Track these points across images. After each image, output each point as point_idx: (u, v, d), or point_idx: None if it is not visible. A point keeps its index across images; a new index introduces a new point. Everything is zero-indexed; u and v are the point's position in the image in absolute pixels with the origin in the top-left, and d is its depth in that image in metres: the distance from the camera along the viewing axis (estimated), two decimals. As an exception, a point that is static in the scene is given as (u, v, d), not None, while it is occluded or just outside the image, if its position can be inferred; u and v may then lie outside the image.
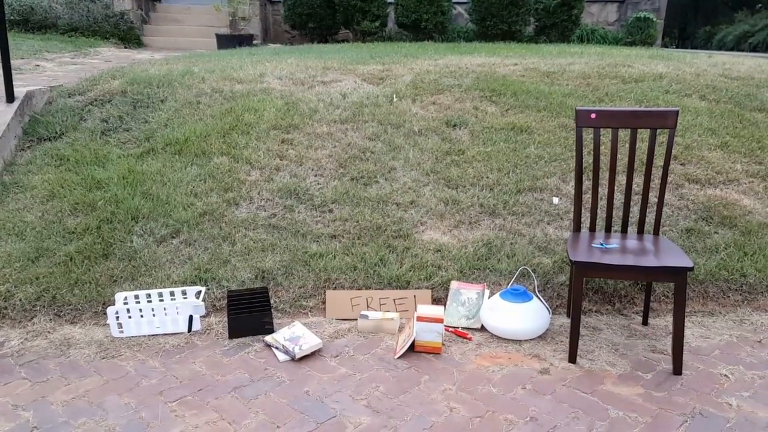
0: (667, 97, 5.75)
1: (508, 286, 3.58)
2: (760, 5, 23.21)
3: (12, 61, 5.19)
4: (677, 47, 22.32)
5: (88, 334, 3.36)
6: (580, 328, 3.12)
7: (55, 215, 4.09)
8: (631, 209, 3.50)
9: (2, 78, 5.05)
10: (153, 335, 3.36)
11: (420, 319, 3.18)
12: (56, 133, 5.00)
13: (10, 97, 5.05)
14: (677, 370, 3.00)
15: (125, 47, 11.22)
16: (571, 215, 4.13)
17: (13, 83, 5.11)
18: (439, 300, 3.63)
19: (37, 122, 5.10)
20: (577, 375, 3.00)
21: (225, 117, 5.13)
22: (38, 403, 2.76)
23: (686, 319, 3.39)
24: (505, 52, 7.88)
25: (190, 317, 3.38)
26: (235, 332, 3.34)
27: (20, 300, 3.50)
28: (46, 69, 7.31)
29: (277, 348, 3.19)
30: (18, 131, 4.95)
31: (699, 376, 3.00)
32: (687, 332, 3.39)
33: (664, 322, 3.55)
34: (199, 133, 4.89)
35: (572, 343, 3.09)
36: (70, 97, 5.53)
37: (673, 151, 3.52)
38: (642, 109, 3.36)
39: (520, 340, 3.32)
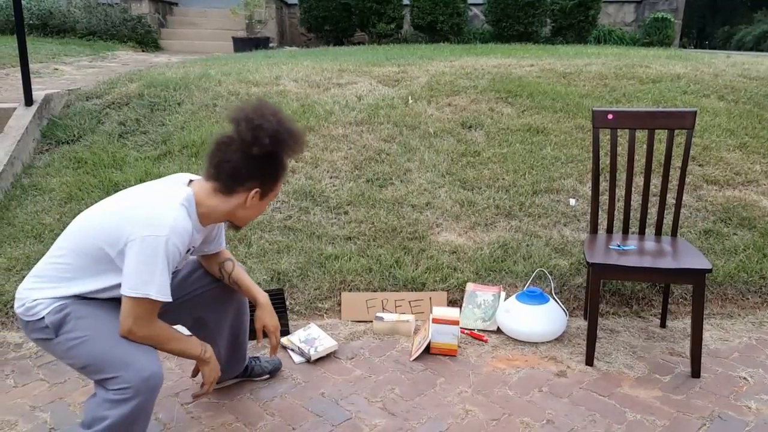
0: (685, 97, 5.71)
1: (525, 288, 3.56)
2: (779, 4, 22.98)
3: (31, 65, 5.24)
4: (695, 47, 22.15)
5: (106, 336, 3.37)
6: (597, 331, 3.10)
7: (73, 217, 4.10)
8: (648, 211, 3.47)
9: (21, 81, 5.10)
10: (169, 337, 3.37)
11: (435, 321, 3.17)
12: (74, 136, 5.04)
13: (28, 101, 5.10)
14: (696, 372, 2.97)
15: (143, 51, 11.30)
16: (588, 217, 4.11)
17: (32, 86, 5.16)
18: (454, 302, 3.62)
19: (55, 125, 5.14)
20: (594, 378, 2.98)
21: (241, 119, 5.14)
22: (56, 404, 2.78)
23: (705, 322, 3.36)
24: (521, 53, 7.85)
25: (206, 319, 3.39)
26: (250, 334, 3.34)
27: (38, 301, 3.53)
28: (64, 72, 7.38)
29: (292, 350, 3.20)
30: (36, 134, 5.00)
31: (718, 378, 2.97)
32: (705, 334, 3.36)
33: (682, 324, 3.52)
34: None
35: (589, 345, 3.07)
36: (87, 100, 5.58)
37: (691, 152, 3.49)
38: (660, 109, 3.33)
39: (537, 343, 3.31)
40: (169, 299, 2.07)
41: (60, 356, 2.16)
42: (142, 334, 2.08)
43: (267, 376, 2.96)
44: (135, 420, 2.06)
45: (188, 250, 2.24)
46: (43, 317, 2.09)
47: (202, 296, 2.57)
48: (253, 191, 2.13)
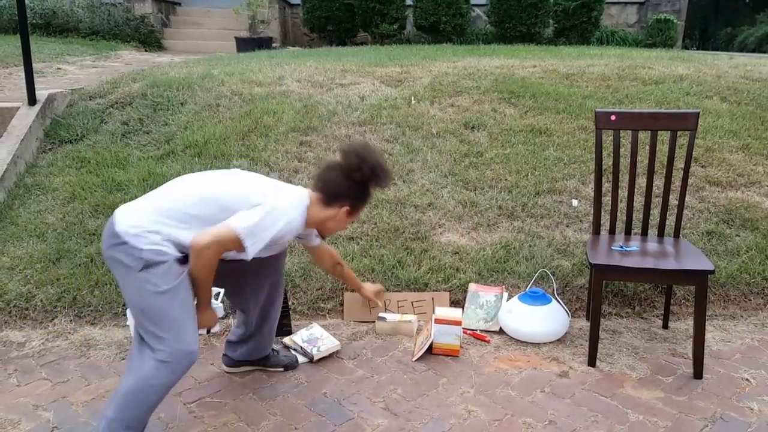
0: (688, 99, 5.70)
1: (527, 289, 3.56)
2: (782, 6, 22.93)
3: (34, 64, 5.25)
4: (698, 49, 22.11)
5: (108, 335, 3.38)
6: (600, 332, 3.10)
7: (76, 217, 4.12)
8: (651, 212, 3.48)
9: (24, 81, 5.11)
10: (172, 336, 3.38)
11: (438, 321, 3.17)
12: (77, 135, 5.05)
13: (32, 100, 5.11)
14: (698, 374, 2.97)
15: (146, 50, 11.31)
16: (591, 218, 4.10)
17: (35, 86, 5.17)
18: (457, 302, 3.62)
19: (58, 125, 5.15)
20: (596, 378, 2.98)
21: (244, 119, 5.15)
22: (59, 403, 2.79)
23: (707, 323, 3.35)
24: (524, 54, 7.85)
25: (209, 318, 3.40)
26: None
27: (41, 301, 3.54)
28: (67, 72, 7.39)
29: (295, 350, 3.20)
30: (39, 133, 5.01)
31: (720, 380, 2.97)
32: (708, 336, 3.36)
33: (684, 325, 3.52)
34: (219, 135, 4.91)
35: (591, 346, 3.07)
36: (91, 99, 5.59)
37: (693, 153, 3.49)
38: (662, 111, 3.33)
39: (539, 343, 3.31)
40: (249, 258, 2.38)
41: (126, 289, 2.35)
42: (210, 255, 2.31)
43: (281, 369, 3.08)
44: (163, 389, 2.30)
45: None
46: (143, 249, 2.27)
47: (245, 266, 2.72)
48: (344, 208, 2.56)
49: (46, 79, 6.65)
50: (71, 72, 7.42)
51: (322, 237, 2.84)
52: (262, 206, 2.37)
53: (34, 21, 10.76)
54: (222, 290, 3.53)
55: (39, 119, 5.03)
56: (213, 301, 3.44)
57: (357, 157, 2.52)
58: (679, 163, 4.11)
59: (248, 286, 2.84)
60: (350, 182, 2.53)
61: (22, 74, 5.19)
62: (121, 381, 2.33)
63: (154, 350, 2.28)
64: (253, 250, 2.34)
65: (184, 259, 2.37)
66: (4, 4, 11.05)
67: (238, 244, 2.31)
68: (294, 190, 2.55)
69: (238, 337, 2.97)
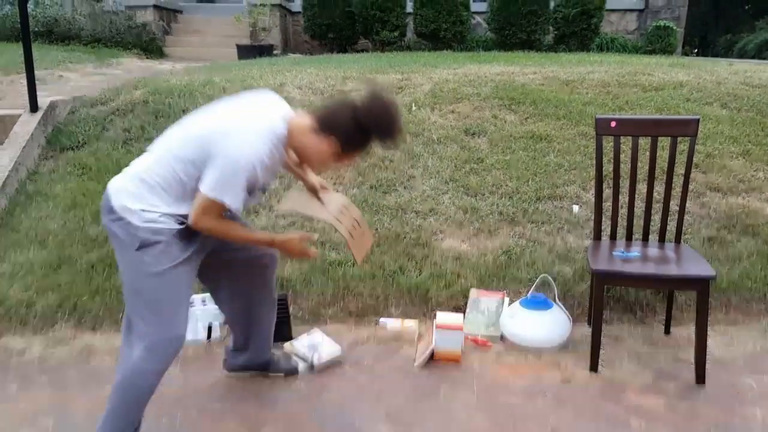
0: (688, 105, 5.70)
1: (528, 295, 3.56)
2: (782, 13, 22.93)
3: (36, 72, 5.26)
4: (698, 55, 22.13)
5: (109, 342, 3.37)
6: (602, 338, 3.09)
7: (77, 224, 4.13)
8: (652, 218, 3.48)
9: (27, 88, 5.12)
10: (173, 343, 3.37)
11: (439, 327, 3.17)
12: (79, 142, 5.05)
13: (33, 107, 5.12)
14: (700, 380, 2.96)
15: (147, 58, 11.30)
16: (592, 224, 4.09)
17: (37, 93, 5.18)
18: (458, 308, 3.62)
19: (60, 132, 5.16)
20: (598, 385, 2.97)
21: (245, 126, 5.15)
22: (59, 410, 2.78)
23: (709, 329, 3.34)
24: (524, 60, 7.86)
25: (210, 325, 3.39)
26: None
27: (42, 308, 3.54)
28: (69, 79, 7.40)
29: (296, 356, 3.19)
30: (41, 141, 5.01)
31: (723, 386, 2.96)
32: (710, 342, 3.33)
33: (686, 331, 3.51)
34: (219, 142, 4.91)
35: (593, 352, 3.07)
36: (92, 107, 5.59)
37: (694, 159, 3.49)
38: (663, 117, 3.34)
39: (541, 349, 3.30)
40: (239, 209, 2.30)
41: (121, 266, 2.37)
42: (204, 225, 2.30)
43: (282, 375, 3.06)
44: (152, 375, 2.33)
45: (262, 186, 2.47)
46: (138, 227, 2.26)
47: (225, 281, 2.73)
48: (334, 144, 2.31)
49: (48, 86, 6.65)
50: (73, 79, 7.43)
51: (301, 163, 2.59)
52: (219, 157, 2.21)
53: (36, 29, 10.76)
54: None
55: (41, 126, 5.04)
56: (214, 307, 3.43)
57: (374, 102, 2.32)
58: (680, 169, 4.10)
59: (228, 301, 2.81)
60: (354, 122, 2.29)
61: (24, 82, 5.20)
62: (115, 378, 2.36)
63: (142, 335, 2.29)
64: (234, 202, 2.24)
65: (184, 232, 2.32)
66: (6, 12, 11.08)
67: (219, 205, 2.25)
68: (261, 119, 2.32)
69: (234, 344, 2.97)
